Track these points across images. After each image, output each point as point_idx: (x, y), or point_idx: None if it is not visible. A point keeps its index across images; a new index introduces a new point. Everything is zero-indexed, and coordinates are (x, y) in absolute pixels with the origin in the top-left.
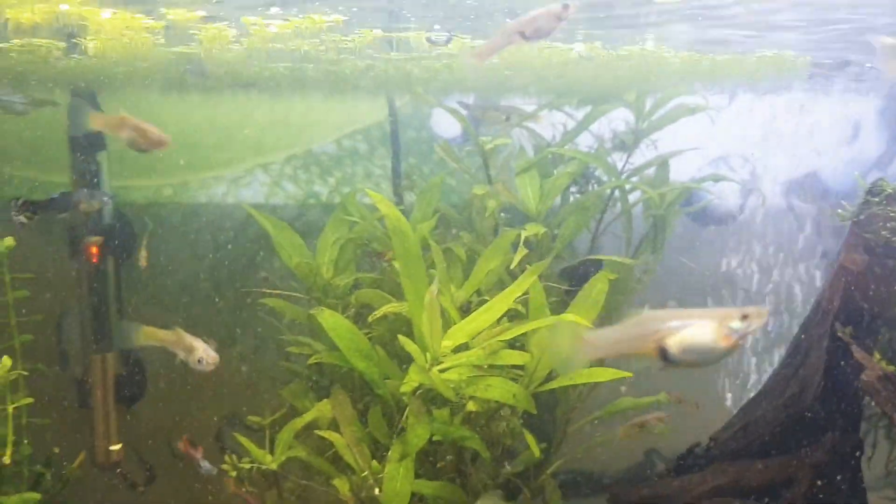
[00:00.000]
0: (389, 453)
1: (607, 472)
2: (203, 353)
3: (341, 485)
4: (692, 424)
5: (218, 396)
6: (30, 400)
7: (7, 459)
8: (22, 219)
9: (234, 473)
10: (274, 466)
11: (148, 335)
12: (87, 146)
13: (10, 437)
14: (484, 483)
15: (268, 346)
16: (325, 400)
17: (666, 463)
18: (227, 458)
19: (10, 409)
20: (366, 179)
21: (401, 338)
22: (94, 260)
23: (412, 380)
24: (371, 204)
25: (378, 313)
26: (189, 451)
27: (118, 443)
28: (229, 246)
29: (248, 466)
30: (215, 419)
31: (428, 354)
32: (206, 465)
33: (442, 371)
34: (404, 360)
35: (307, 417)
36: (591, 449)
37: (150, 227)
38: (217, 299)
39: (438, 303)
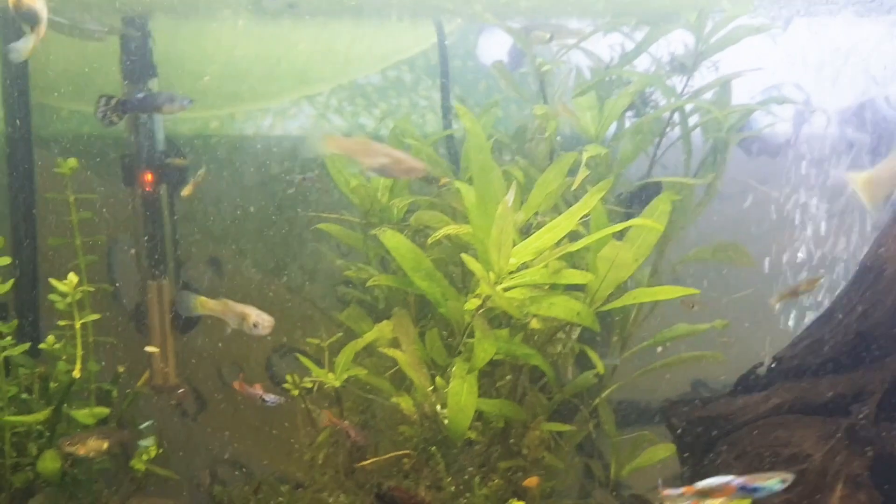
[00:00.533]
0: (453, 370)
1: (652, 403)
2: (256, 317)
3: (405, 401)
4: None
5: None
6: (97, 316)
7: (77, 373)
8: (113, 118)
9: (296, 392)
10: (338, 383)
11: (202, 305)
12: (139, 73)
13: (80, 353)
14: (541, 404)
15: (316, 276)
16: (385, 321)
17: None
18: (289, 377)
19: (78, 325)
20: (411, 111)
21: (464, 256)
22: (149, 188)
23: (481, 295)
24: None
25: (438, 234)
26: (247, 390)
27: (173, 367)
28: (276, 178)
29: (310, 386)
30: (265, 349)
31: (492, 274)
32: (270, 397)
33: (506, 290)
34: (456, 285)
35: (368, 337)
36: (640, 379)
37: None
38: (265, 231)
39: (512, 214)
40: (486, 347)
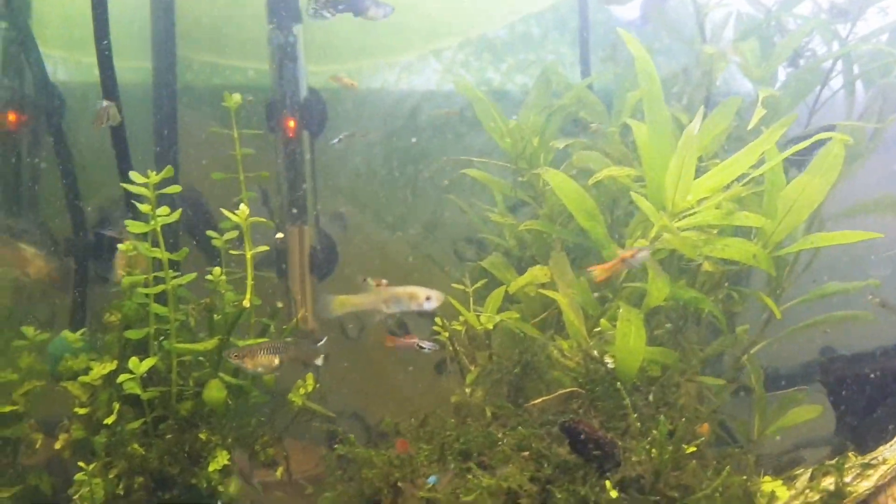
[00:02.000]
0: (621, 312)
1: (781, 369)
2: (427, 291)
3: (566, 344)
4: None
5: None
6: (265, 248)
7: (247, 303)
8: (325, 13)
9: (446, 335)
10: (490, 326)
11: (342, 304)
12: (285, 18)
13: (250, 283)
14: (696, 354)
15: (437, 232)
16: (538, 266)
17: None
18: (437, 320)
19: (249, 254)
20: (537, 65)
21: (634, 195)
22: (292, 135)
23: (656, 231)
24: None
25: (599, 175)
26: (399, 342)
27: (312, 312)
28: (400, 133)
29: (460, 329)
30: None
31: (663, 213)
32: (427, 344)
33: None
34: None
35: (521, 281)
36: (770, 345)
37: None
38: (388, 186)
39: (696, 144)
40: (660, 286)
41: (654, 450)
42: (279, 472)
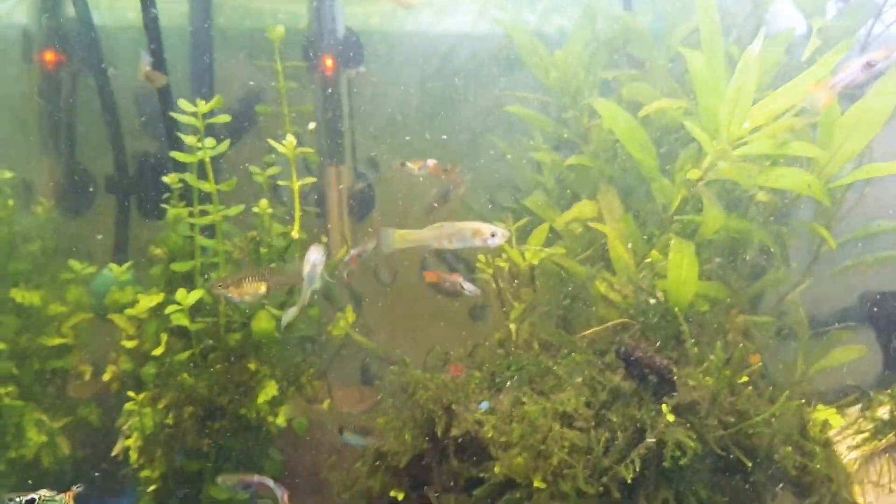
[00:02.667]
0: (673, 243)
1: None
2: (492, 227)
3: (615, 278)
4: None
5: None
6: (313, 179)
7: (296, 234)
8: None
9: (490, 271)
10: (535, 261)
11: (402, 238)
12: None
13: (298, 214)
14: (742, 290)
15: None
16: (584, 201)
17: None
18: (481, 257)
19: (296, 186)
20: (575, 5)
21: (687, 123)
22: (330, 73)
23: (710, 161)
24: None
25: (649, 108)
26: (442, 277)
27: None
28: (435, 76)
29: (504, 265)
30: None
31: (717, 143)
32: (469, 285)
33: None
34: None
35: (568, 215)
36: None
37: None
38: (423, 130)
39: (757, 66)
40: (715, 216)
41: (708, 378)
42: (326, 404)
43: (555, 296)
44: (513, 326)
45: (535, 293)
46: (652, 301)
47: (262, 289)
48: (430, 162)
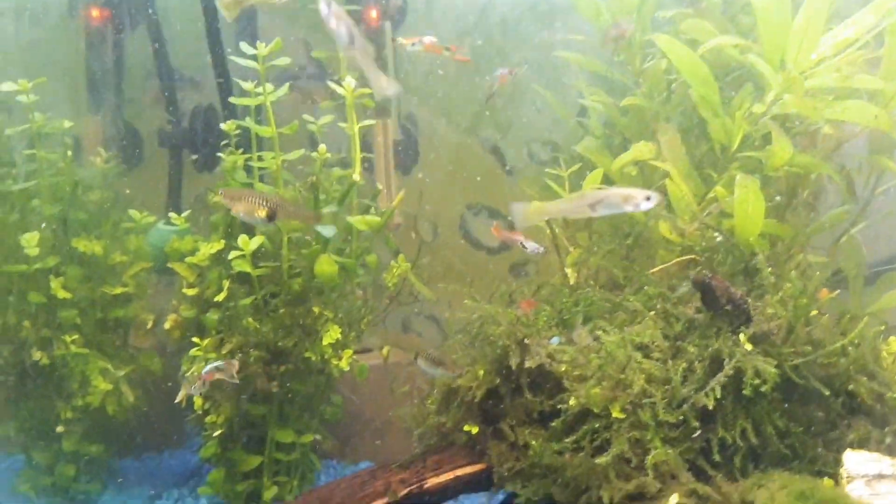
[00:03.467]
0: (738, 178)
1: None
2: (644, 192)
3: (679, 217)
4: None
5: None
6: (374, 121)
7: (356, 176)
8: None
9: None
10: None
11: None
12: None
13: (357, 156)
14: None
15: (510, 135)
16: (642, 142)
17: None
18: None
19: (356, 129)
20: None
21: (751, 57)
22: (375, 24)
23: (775, 95)
24: None
25: (708, 45)
26: (506, 235)
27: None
28: (473, 30)
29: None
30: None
31: (783, 74)
32: (531, 244)
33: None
34: None
35: (626, 157)
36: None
37: None
38: (460, 86)
39: None
40: (783, 146)
41: (782, 309)
42: (385, 351)
43: (613, 238)
44: (569, 270)
45: (590, 238)
46: (718, 238)
47: (262, 213)
48: (427, 39)
